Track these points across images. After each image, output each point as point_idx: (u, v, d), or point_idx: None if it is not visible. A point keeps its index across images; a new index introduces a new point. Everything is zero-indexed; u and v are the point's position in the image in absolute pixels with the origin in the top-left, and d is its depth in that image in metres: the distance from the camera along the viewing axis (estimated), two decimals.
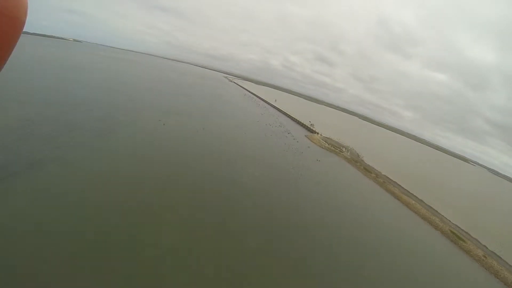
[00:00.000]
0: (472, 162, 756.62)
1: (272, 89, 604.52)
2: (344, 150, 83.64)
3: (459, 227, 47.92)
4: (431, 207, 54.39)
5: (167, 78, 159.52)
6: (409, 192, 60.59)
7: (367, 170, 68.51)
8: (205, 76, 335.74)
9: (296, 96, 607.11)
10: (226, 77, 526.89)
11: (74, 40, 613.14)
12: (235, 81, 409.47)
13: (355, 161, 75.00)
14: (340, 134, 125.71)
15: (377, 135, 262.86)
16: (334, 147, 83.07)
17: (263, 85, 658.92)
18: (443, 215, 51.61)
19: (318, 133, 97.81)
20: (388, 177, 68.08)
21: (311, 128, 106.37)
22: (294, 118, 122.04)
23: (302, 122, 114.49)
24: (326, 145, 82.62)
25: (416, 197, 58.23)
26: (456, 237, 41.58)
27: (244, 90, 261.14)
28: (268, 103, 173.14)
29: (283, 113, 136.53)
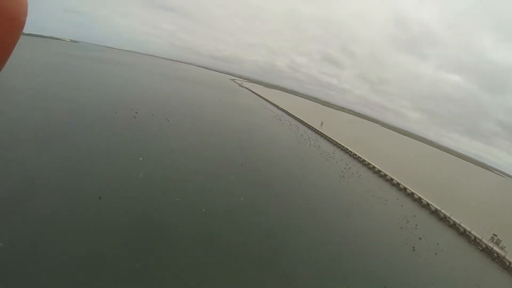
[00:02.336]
0: (497, 171, 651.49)
1: (285, 93, 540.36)
2: None
3: None
4: None
5: (154, 98, 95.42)
6: None
7: None
8: (210, 81, 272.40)
9: (313, 102, 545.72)
10: (233, 79, 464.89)
11: (71, 41, 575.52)
12: (244, 85, 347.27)
13: None
14: None
15: None
16: None
17: (272, 88, 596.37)
18: None
19: None
20: None
21: (500, 254, 43.40)
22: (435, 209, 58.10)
23: (476, 236, 50.53)
24: None
25: None
26: None
27: (265, 101, 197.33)
28: (324, 136, 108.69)
29: (385, 179, 73.03)
